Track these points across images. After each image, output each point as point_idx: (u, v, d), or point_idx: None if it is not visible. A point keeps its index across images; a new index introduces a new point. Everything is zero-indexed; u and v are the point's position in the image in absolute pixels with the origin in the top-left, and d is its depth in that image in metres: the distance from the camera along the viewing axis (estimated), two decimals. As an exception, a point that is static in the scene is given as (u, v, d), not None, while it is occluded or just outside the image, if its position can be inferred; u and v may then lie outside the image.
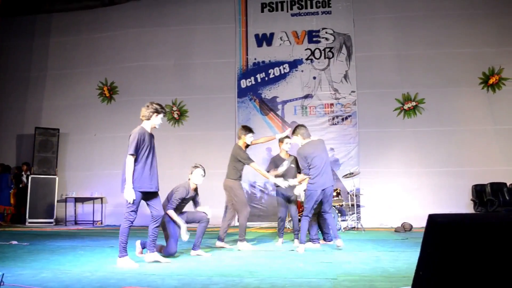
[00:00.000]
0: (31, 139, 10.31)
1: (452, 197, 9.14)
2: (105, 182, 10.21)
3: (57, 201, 10.12)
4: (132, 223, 4.40)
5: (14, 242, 5.99)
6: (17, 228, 8.81)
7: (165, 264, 4.47)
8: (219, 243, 6.10)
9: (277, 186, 6.35)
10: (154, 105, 4.62)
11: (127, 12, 11.15)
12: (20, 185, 10.11)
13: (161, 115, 4.64)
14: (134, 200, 4.33)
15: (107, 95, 10.98)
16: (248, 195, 9.66)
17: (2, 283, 3.08)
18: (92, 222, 10.15)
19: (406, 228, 8.41)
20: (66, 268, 4.21)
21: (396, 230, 8.38)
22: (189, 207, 5.37)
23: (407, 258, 4.80)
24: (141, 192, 4.41)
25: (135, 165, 4.40)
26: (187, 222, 5.14)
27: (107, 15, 11.22)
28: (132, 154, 4.38)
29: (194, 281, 3.62)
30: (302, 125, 5.97)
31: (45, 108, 11.16)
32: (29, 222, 9.60)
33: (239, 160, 6.05)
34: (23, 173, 10.22)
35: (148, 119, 4.59)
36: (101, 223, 10.18)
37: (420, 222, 8.72)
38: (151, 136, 4.64)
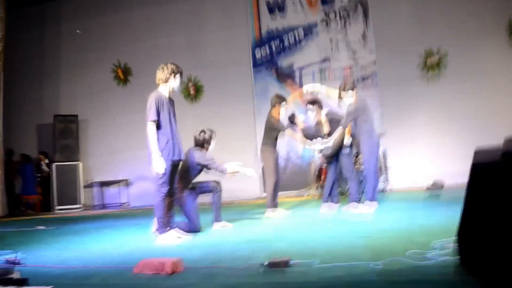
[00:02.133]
0: (50, 127, 10.32)
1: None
2: (127, 164, 10.19)
3: (84, 187, 10.17)
4: (165, 195, 4.11)
5: (41, 227, 5.99)
6: (46, 215, 8.89)
7: (189, 239, 4.31)
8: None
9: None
10: (170, 65, 4.29)
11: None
12: (42, 174, 10.15)
13: (178, 76, 4.32)
14: (164, 171, 4.01)
15: (122, 77, 10.88)
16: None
17: (17, 264, 2.99)
18: (119, 204, 10.18)
19: (438, 186, 8.10)
20: (89, 247, 4.14)
21: (428, 189, 8.09)
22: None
23: (443, 213, 4.57)
24: (170, 162, 4.09)
25: (157, 133, 4.06)
26: (200, 193, 4.94)
27: (115, -4, 11.03)
28: (153, 121, 4.06)
29: (220, 250, 3.48)
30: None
31: (62, 96, 11.14)
32: (58, 209, 9.67)
33: (274, 128, 5.93)
34: (41, 162, 10.25)
35: (166, 81, 4.26)
36: (128, 205, 10.20)
37: (452, 179, 8.41)
38: (171, 100, 4.32)
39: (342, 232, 3.92)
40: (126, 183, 10.33)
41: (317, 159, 8.94)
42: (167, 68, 4.28)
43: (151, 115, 4.07)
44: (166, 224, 4.18)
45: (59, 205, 9.75)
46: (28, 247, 4.27)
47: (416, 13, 9.44)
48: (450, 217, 3.65)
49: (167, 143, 4.12)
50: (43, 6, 11.35)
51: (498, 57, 9.08)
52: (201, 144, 4.95)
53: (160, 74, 4.29)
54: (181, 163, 4.53)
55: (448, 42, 9.22)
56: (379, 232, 3.70)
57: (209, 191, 4.98)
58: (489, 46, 9.11)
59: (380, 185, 8.55)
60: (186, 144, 4.87)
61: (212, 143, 5.02)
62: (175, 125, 4.28)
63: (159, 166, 4.01)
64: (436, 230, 3.48)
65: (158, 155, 4.02)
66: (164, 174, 4.07)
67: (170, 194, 4.22)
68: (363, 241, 3.34)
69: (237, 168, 4.93)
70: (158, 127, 4.11)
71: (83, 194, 10.14)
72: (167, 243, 4.04)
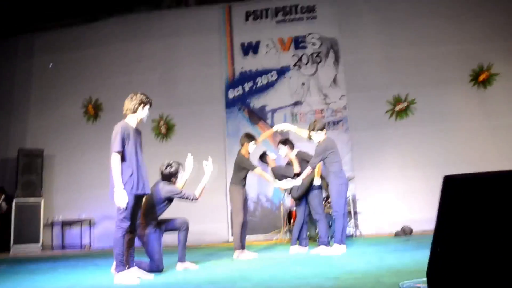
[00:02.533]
0: (14, 162, 9.92)
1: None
2: (93, 203, 9.81)
3: (43, 226, 9.68)
4: (125, 231, 3.86)
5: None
6: (1, 255, 8.39)
7: (149, 278, 4.05)
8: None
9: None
10: (139, 95, 4.14)
11: (110, 27, 10.94)
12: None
13: (147, 106, 4.18)
14: (127, 204, 3.81)
15: (92, 113, 10.69)
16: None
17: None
18: (80, 246, 9.71)
19: (406, 232, 8.10)
20: (43, 285, 3.86)
21: (397, 234, 8.07)
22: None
23: (413, 256, 4.50)
24: (134, 195, 3.89)
25: (122, 165, 3.88)
26: (165, 230, 4.74)
27: (90, 31, 10.99)
28: (118, 152, 3.87)
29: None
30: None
31: (29, 130, 10.81)
32: (15, 248, 9.14)
33: (243, 167, 5.86)
34: (-2, 199, 9.81)
35: (134, 112, 4.11)
36: (90, 247, 9.73)
37: (420, 226, 8.44)
38: (138, 131, 4.15)
39: (310, 274, 3.78)
40: (90, 222, 9.90)
41: (287, 202, 8.89)
42: (135, 97, 4.15)
43: (116, 145, 3.90)
44: (125, 262, 3.94)
45: (16, 243, 9.22)
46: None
47: (385, 59, 9.76)
48: (419, 260, 3.60)
49: (131, 175, 3.93)
50: (16, 39, 11.22)
51: (464, 104, 9.40)
52: (168, 177, 4.80)
53: (128, 104, 4.14)
54: (145, 197, 4.36)
55: (415, 87, 9.52)
56: (347, 273, 3.58)
57: (176, 229, 4.78)
58: (456, 94, 9.44)
59: (349, 230, 8.50)
60: (155, 180, 4.75)
61: (179, 176, 4.87)
62: (141, 157, 4.11)
63: (122, 199, 3.81)
64: (405, 271, 3.39)
65: (121, 187, 3.82)
66: (126, 208, 3.88)
67: (131, 230, 4.01)
68: (330, 282, 3.21)
69: (201, 185, 4.83)
70: (123, 158, 3.93)
71: (42, 233, 9.63)
72: (126, 283, 3.80)
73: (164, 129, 10.33)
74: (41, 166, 9.94)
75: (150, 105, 4.28)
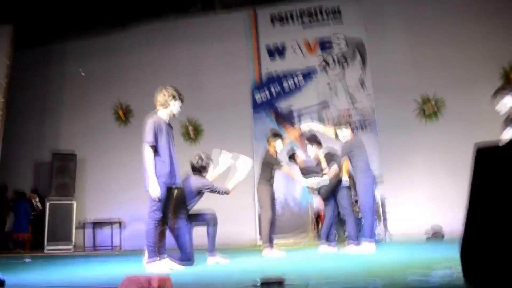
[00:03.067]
0: (48, 165, 10.25)
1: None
2: (123, 205, 10.03)
3: (76, 227, 9.93)
4: (157, 223, 3.92)
5: (28, 260, 5.79)
6: (35, 254, 8.62)
7: (180, 269, 4.11)
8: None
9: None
10: (170, 89, 4.20)
11: (139, 34, 11.21)
12: (33, 212, 9.95)
13: (179, 102, 4.24)
14: (159, 196, 3.85)
15: (123, 118, 10.94)
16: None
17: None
18: (111, 247, 9.90)
19: (438, 236, 7.93)
20: (76, 273, 3.97)
21: (428, 238, 7.91)
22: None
23: (444, 253, 4.42)
24: (165, 188, 3.94)
25: (154, 157, 3.94)
26: (195, 224, 4.78)
27: (119, 39, 11.29)
28: (150, 144, 3.92)
29: (212, 276, 3.34)
30: None
31: (62, 135, 11.15)
32: (48, 249, 9.40)
33: (269, 165, 5.90)
34: (33, 200, 10.07)
35: (166, 105, 4.18)
36: (120, 248, 9.91)
37: (451, 228, 8.25)
38: (170, 126, 4.21)
39: (340, 264, 3.77)
40: (120, 224, 10.10)
41: (315, 204, 8.85)
42: (167, 91, 4.22)
43: (148, 137, 3.98)
44: (156, 253, 4.01)
45: (49, 244, 9.48)
46: (14, 272, 4.09)
47: (412, 59, 9.64)
48: (451, 256, 3.54)
49: (163, 168, 4.03)
50: (49, 48, 11.60)
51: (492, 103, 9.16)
52: (199, 170, 4.86)
53: (160, 98, 4.21)
54: (177, 190, 4.43)
55: (444, 88, 9.36)
56: (378, 264, 3.56)
57: (205, 223, 4.83)
58: (487, 94, 9.19)
59: (378, 233, 8.37)
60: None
61: (210, 168, 4.93)
62: (174, 150, 4.19)
63: (155, 189, 3.88)
64: (437, 262, 3.35)
65: (154, 178, 3.89)
66: (158, 200, 3.95)
67: (163, 221, 4.08)
68: (361, 268, 3.20)
69: (235, 179, 4.81)
70: (156, 151, 4.00)
71: (74, 234, 9.88)
72: (157, 273, 3.86)
73: (192, 133, 10.47)
74: (74, 169, 10.23)
75: (182, 101, 4.33)
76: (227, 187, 4.77)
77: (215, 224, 4.82)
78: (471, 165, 1.92)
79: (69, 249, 9.60)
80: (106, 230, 10.20)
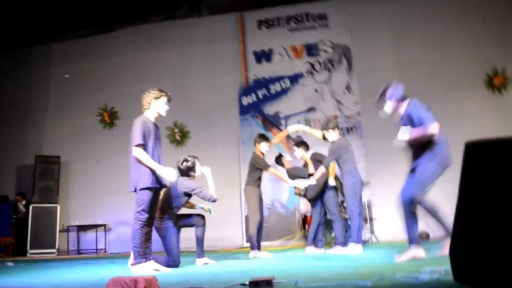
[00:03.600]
0: (31, 168, 10.08)
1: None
2: (108, 209, 9.92)
3: (59, 231, 9.77)
4: (143, 224, 3.91)
5: (10, 264, 5.67)
6: (18, 258, 8.46)
7: (167, 271, 4.07)
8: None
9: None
10: (153, 90, 4.21)
11: (124, 38, 11.14)
12: (18, 216, 9.77)
13: (163, 99, 4.22)
14: (143, 198, 3.87)
15: (108, 120, 10.83)
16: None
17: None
18: (95, 250, 9.77)
19: (423, 237, 7.99)
20: (60, 275, 3.90)
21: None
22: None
23: (432, 254, 4.44)
24: (151, 188, 3.94)
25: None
26: (182, 225, 4.76)
27: (105, 41, 11.21)
28: (140, 144, 3.92)
29: (200, 276, 3.30)
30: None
31: (46, 138, 10.98)
32: (31, 253, 9.23)
33: (257, 167, 5.87)
34: (18, 203, 9.90)
35: (150, 106, 4.18)
36: (105, 251, 9.79)
37: (436, 232, 8.33)
38: (156, 126, 4.21)
39: (328, 263, 3.77)
40: (105, 228, 9.97)
41: (302, 207, 8.86)
42: (149, 93, 4.24)
43: (137, 138, 3.97)
44: (142, 255, 3.97)
45: (32, 248, 9.32)
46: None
47: (398, 64, 9.74)
48: (439, 257, 3.58)
49: (150, 169, 4.01)
50: (32, 49, 11.46)
51: (479, 109, 9.33)
52: (186, 173, 4.84)
53: (146, 99, 4.23)
54: (164, 192, 4.40)
55: (429, 92, 9.41)
56: (365, 264, 3.57)
57: (192, 225, 4.81)
58: (470, 99, 9.38)
59: (365, 236, 8.41)
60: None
61: (197, 169, 4.91)
62: (160, 151, 4.19)
63: (171, 173, 3.95)
64: (426, 261, 3.37)
65: (161, 167, 3.94)
66: (144, 201, 3.93)
67: (148, 223, 4.05)
68: (349, 271, 3.20)
69: (210, 185, 4.82)
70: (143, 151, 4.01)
71: (58, 238, 9.72)
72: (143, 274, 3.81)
73: (178, 136, 10.42)
74: (57, 173, 10.08)
75: (168, 99, 4.32)
76: (212, 195, 4.74)
77: (203, 225, 4.80)
78: (461, 162, 1.93)
79: (53, 253, 9.45)
80: (91, 234, 10.07)
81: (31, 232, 9.38)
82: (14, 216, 9.73)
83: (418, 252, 3.61)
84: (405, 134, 3.58)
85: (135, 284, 2.51)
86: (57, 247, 9.64)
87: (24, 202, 9.80)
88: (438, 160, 3.62)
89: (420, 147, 3.70)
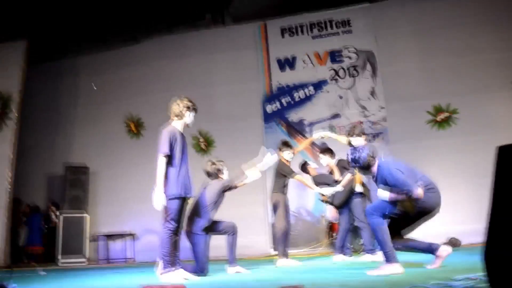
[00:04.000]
0: (60, 178, 10.32)
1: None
2: (135, 217, 10.04)
3: (89, 239, 9.95)
4: (172, 232, 3.93)
5: (43, 273, 5.79)
6: (49, 267, 8.63)
7: (196, 280, 4.08)
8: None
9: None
10: (185, 100, 4.26)
11: (150, 48, 11.32)
12: (50, 225, 10.00)
13: (193, 112, 4.28)
14: (171, 208, 3.90)
15: (134, 131, 11.01)
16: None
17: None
18: (124, 259, 9.89)
19: (454, 244, 7.82)
20: (91, 284, 3.96)
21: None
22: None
23: (463, 259, 4.35)
24: (180, 198, 3.97)
25: (168, 168, 3.96)
26: (213, 232, 4.77)
27: (131, 52, 11.41)
28: (165, 154, 3.94)
29: (228, 285, 3.31)
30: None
31: (74, 148, 11.23)
32: (62, 262, 9.41)
33: (283, 174, 5.87)
34: (51, 212, 10.12)
35: (180, 116, 4.22)
36: (134, 260, 9.90)
37: (467, 238, 8.14)
38: (183, 136, 4.24)
39: (356, 271, 3.73)
40: (133, 236, 10.10)
41: (328, 215, 8.78)
42: (182, 102, 4.26)
43: (163, 148, 4.00)
44: (171, 263, 3.99)
45: (63, 257, 9.49)
46: (29, 284, 4.09)
47: (423, 69, 9.61)
48: (470, 261, 3.49)
49: (178, 178, 4.03)
50: (61, 62, 11.77)
51: (508, 111, 9.10)
52: (215, 174, 4.89)
53: (175, 109, 4.25)
54: (194, 200, 4.45)
55: (456, 96, 9.31)
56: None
57: (224, 233, 4.81)
58: (499, 102, 9.17)
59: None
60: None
61: (225, 171, 4.97)
62: (187, 161, 4.22)
63: (159, 200, 3.89)
64: (458, 268, 3.29)
65: (161, 189, 3.91)
66: (173, 210, 3.96)
67: (177, 231, 4.08)
68: (380, 278, 3.15)
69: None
70: (170, 161, 4.03)
71: (87, 247, 9.90)
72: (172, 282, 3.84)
73: (204, 145, 10.49)
74: (87, 182, 10.29)
75: (195, 111, 4.36)
76: (245, 176, 4.86)
77: (234, 233, 4.81)
78: (494, 166, 1.89)
79: (83, 262, 9.61)
80: (119, 243, 10.20)
81: (61, 241, 9.55)
82: (46, 226, 9.95)
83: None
84: (385, 195, 3.57)
85: (165, 292, 2.54)
86: (87, 255, 9.79)
87: (58, 212, 10.00)
88: (420, 207, 3.57)
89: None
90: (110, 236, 10.12)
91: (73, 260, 9.51)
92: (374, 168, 3.82)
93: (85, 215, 9.98)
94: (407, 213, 3.57)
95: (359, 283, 2.76)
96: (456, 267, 3.47)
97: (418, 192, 3.50)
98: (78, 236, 9.71)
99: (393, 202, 3.62)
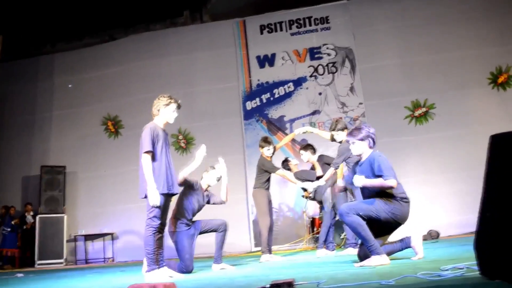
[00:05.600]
0: (37, 179, 10.08)
1: (477, 201, 8.65)
2: (114, 218, 9.90)
3: (66, 241, 9.75)
4: (156, 230, 3.87)
5: (20, 275, 5.64)
6: (26, 270, 8.42)
7: (181, 278, 4.03)
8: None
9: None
10: (163, 97, 4.20)
11: (127, 46, 11.15)
12: (25, 227, 9.74)
13: (172, 106, 4.20)
14: (158, 204, 3.82)
15: (112, 129, 10.83)
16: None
17: None
18: (103, 259, 9.73)
19: (433, 236, 7.97)
20: (73, 285, 3.86)
21: (424, 239, 7.93)
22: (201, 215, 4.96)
23: (446, 251, 4.41)
24: (163, 194, 3.92)
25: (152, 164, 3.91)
26: (202, 232, 4.74)
27: (107, 51, 11.24)
28: (148, 152, 3.92)
29: (216, 282, 3.27)
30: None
31: (52, 149, 10.99)
32: (38, 264, 9.19)
33: (265, 170, 5.84)
34: (26, 213, 9.87)
35: (159, 113, 4.17)
36: (113, 260, 9.75)
37: (446, 231, 8.31)
38: (165, 132, 4.21)
39: (342, 265, 3.73)
40: (112, 237, 9.94)
41: (310, 211, 8.81)
42: (159, 100, 4.23)
43: (146, 145, 3.95)
44: (156, 262, 3.93)
45: (40, 259, 9.28)
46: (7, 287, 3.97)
47: (401, 65, 9.76)
48: (454, 252, 3.54)
49: (160, 175, 3.97)
50: (36, 59, 11.49)
51: (484, 107, 9.31)
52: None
53: (154, 106, 4.23)
54: (176, 198, 4.39)
55: (434, 92, 9.48)
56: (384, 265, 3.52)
57: (214, 230, 4.75)
58: (476, 97, 9.38)
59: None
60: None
61: (205, 174, 4.93)
62: (170, 157, 4.16)
63: (155, 198, 3.83)
64: (443, 259, 3.33)
65: (153, 186, 3.85)
66: (157, 207, 3.90)
67: (160, 229, 4.02)
68: (367, 270, 3.16)
69: (223, 187, 4.99)
70: (153, 158, 3.97)
71: (65, 248, 9.69)
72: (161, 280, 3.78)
73: (183, 143, 10.40)
74: (63, 182, 10.07)
75: (178, 106, 4.30)
76: (222, 198, 4.89)
77: (224, 230, 4.76)
78: (487, 154, 1.91)
79: (61, 263, 9.41)
80: (98, 243, 10.02)
81: (38, 242, 9.34)
82: (24, 227, 9.69)
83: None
84: (360, 181, 3.61)
85: (154, 290, 2.48)
86: (64, 257, 9.59)
87: (32, 213, 9.76)
88: (393, 214, 3.61)
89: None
90: (89, 237, 9.93)
91: (51, 261, 9.31)
92: (365, 154, 3.86)
93: (62, 215, 9.77)
94: (380, 221, 3.59)
95: (349, 276, 2.76)
96: (441, 258, 3.50)
97: (394, 182, 3.54)
98: (55, 237, 9.52)
99: (367, 203, 3.64)
